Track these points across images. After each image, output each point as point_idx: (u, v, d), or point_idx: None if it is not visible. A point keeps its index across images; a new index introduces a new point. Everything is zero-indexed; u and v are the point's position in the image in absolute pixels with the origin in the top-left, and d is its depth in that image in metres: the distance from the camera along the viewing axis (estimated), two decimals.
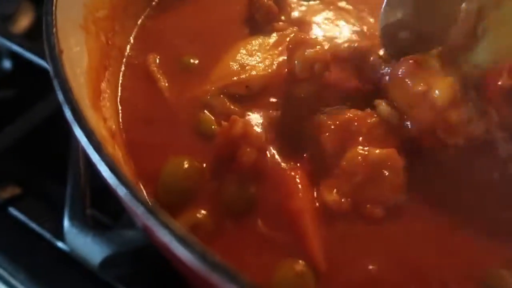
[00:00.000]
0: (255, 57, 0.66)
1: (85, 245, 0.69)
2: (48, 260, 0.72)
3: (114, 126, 0.54)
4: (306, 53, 0.57)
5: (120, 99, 0.62)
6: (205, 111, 0.60)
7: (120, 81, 0.64)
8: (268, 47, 0.68)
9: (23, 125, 0.79)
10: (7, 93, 0.87)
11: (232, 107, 0.60)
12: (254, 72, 0.63)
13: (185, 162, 0.54)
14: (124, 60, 0.65)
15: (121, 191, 0.37)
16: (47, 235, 0.73)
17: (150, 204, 0.37)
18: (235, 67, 0.64)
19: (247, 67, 0.64)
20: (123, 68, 0.66)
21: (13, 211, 0.74)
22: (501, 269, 0.49)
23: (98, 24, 0.60)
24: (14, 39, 0.87)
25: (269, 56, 0.66)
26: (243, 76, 0.63)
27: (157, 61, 0.66)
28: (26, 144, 0.79)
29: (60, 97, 0.42)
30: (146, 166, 0.55)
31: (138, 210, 0.37)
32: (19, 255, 0.71)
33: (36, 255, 0.72)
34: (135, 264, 0.68)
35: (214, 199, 0.53)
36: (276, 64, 0.64)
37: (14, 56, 0.87)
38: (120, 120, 0.59)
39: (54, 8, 0.49)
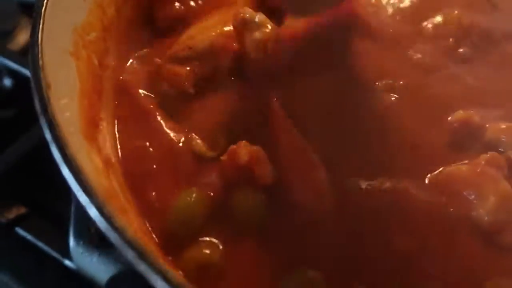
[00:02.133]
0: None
1: (92, 264, 0.68)
2: (55, 278, 0.71)
3: (112, 156, 0.52)
4: (257, 37, 0.55)
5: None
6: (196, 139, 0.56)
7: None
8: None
9: (25, 144, 0.77)
10: (9, 112, 0.85)
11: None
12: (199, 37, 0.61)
13: (194, 195, 0.50)
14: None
15: (111, 236, 0.35)
16: (54, 254, 0.71)
17: (142, 247, 0.35)
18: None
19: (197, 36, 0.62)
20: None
21: (19, 231, 0.73)
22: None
23: (89, 47, 0.57)
24: (12, 56, 0.85)
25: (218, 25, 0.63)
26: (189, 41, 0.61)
27: None
28: (29, 163, 0.77)
29: (48, 136, 0.40)
30: (148, 197, 0.51)
31: (128, 255, 0.34)
32: (27, 275, 0.71)
33: (44, 274, 0.71)
34: (142, 282, 0.66)
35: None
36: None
37: (13, 74, 0.85)
38: (118, 147, 0.56)
39: (40, 38, 0.47)
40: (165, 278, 0.33)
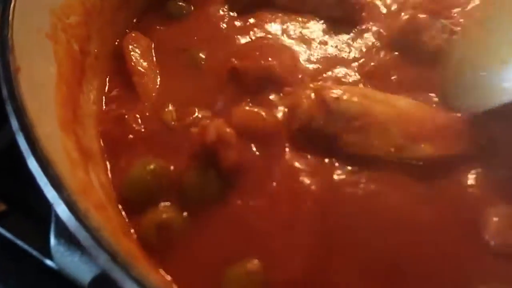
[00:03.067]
0: None
1: (73, 264, 0.62)
2: (35, 278, 0.66)
3: (93, 145, 0.47)
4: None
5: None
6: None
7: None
8: None
9: (4, 139, 0.72)
10: None
11: None
12: None
13: (152, 164, 0.49)
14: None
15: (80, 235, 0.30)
16: (34, 252, 0.66)
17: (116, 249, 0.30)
18: None
19: None
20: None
21: None
22: None
23: (69, 31, 0.52)
24: None
25: None
26: None
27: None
28: (9, 159, 0.72)
29: (14, 123, 0.35)
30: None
31: (100, 258, 0.30)
32: (6, 274, 0.66)
33: (23, 273, 0.66)
34: None
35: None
36: None
37: None
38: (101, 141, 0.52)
39: (11, 17, 0.41)
40: (141, 285, 0.28)
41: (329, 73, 0.61)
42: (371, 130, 0.53)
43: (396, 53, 0.62)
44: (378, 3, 0.71)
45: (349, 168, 0.51)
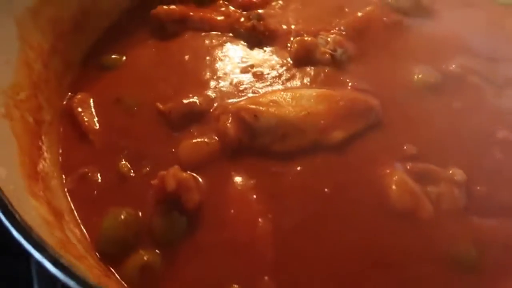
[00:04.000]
0: None
1: None
2: None
3: (63, 205, 0.54)
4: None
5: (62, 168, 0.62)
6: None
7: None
8: None
9: None
10: None
11: None
12: None
13: (122, 214, 0.55)
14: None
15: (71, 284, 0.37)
16: None
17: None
18: None
19: None
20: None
21: None
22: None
23: (21, 106, 0.58)
24: None
25: None
26: None
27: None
28: None
29: None
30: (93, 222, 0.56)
31: None
32: None
33: None
34: None
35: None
36: None
37: None
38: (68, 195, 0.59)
39: None
40: None
41: (246, 86, 0.71)
42: (291, 135, 0.63)
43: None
44: (284, 27, 0.82)
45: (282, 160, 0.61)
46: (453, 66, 0.73)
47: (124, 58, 0.78)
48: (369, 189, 0.59)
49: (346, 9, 0.84)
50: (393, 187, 0.58)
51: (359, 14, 0.82)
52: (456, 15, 0.82)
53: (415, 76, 0.71)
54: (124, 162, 0.63)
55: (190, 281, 0.52)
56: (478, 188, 0.58)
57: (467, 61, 0.74)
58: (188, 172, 0.59)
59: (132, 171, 0.62)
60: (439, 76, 0.71)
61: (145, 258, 0.53)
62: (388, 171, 0.60)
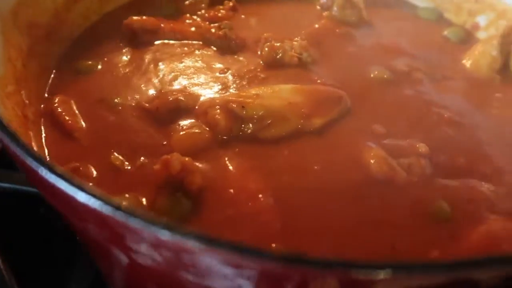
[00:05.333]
0: None
1: None
2: None
3: None
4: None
5: None
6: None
7: None
8: None
9: None
10: None
11: None
12: None
13: (124, 201, 0.53)
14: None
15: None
16: None
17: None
18: None
19: None
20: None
21: None
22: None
23: (11, 98, 0.56)
24: None
25: None
26: None
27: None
28: None
29: None
30: None
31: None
32: None
33: None
34: None
35: None
36: None
37: None
38: None
39: None
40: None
41: (226, 86, 0.75)
42: (277, 123, 0.68)
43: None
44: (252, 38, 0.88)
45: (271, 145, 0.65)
46: (400, 65, 0.84)
47: (99, 63, 0.78)
48: (351, 164, 0.65)
49: (303, 23, 0.93)
50: (372, 160, 0.65)
51: (316, 25, 0.91)
52: (390, 27, 0.96)
53: (371, 74, 0.81)
54: (116, 155, 0.62)
55: None
56: (439, 157, 0.67)
57: (409, 61, 0.86)
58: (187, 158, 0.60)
59: (126, 163, 0.62)
60: (391, 73, 0.82)
61: None
62: (365, 148, 0.67)
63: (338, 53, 0.86)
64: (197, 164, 0.61)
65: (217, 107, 0.68)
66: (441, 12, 1.01)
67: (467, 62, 0.87)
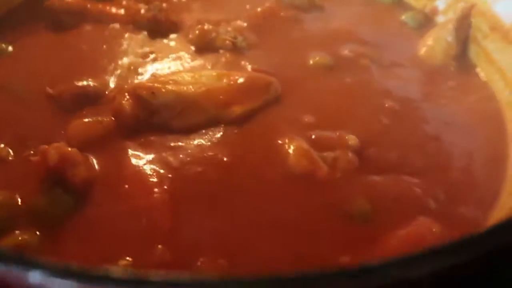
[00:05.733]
0: None
1: None
2: None
3: None
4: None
5: None
6: None
7: None
8: None
9: None
10: None
11: None
12: None
13: None
14: None
15: None
16: None
17: None
18: None
19: None
20: None
21: None
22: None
23: None
24: None
25: None
26: None
27: None
28: None
29: None
30: None
31: None
32: None
33: None
34: None
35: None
36: None
37: None
38: None
39: None
40: None
41: (146, 71, 0.69)
42: (190, 110, 0.61)
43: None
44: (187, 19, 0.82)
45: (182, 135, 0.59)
46: (346, 51, 0.77)
47: (10, 48, 0.72)
48: (268, 156, 0.58)
49: (247, 6, 0.86)
50: (291, 152, 0.58)
51: (259, 9, 0.84)
52: (344, 11, 0.88)
53: (311, 59, 0.74)
54: (2, 146, 0.56)
55: (71, 258, 0.46)
56: (369, 150, 0.60)
57: (357, 47, 0.78)
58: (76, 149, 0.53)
59: (12, 155, 0.56)
60: (333, 59, 0.74)
61: (19, 238, 0.47)
62: (287, 140, 0.60)
63: (279, 38, 0.79)
64: (87, 155, 0.54)
65: (126, 93, 0.61)
66: None
67: (421, 49, 0.80)
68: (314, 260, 0.48)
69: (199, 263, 0.46)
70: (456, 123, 0.66)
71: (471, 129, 0.65)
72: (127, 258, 0.46)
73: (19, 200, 0.50)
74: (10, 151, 0.56)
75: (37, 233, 0.48)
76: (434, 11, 0.88)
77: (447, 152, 0.61)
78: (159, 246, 0.47)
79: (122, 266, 0.45)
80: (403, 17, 0.88)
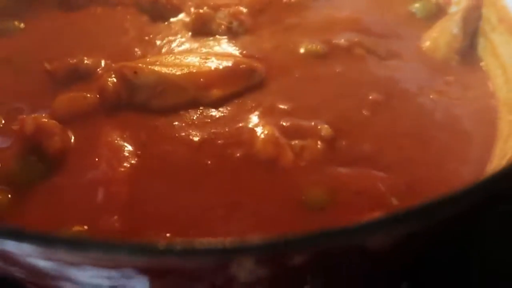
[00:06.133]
0: None
1: None
2: None
3: None
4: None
5: None
6: None
7: None
8: None
9: None
10: None
11: None
12: None
13: None
14: None
15: None
16: None
17: None
18: None
19: None
20: None
21: None
22: None
23: None
24: None
25: None
26: None
27: None
28: None
29: None
30: None
31: None
32: None
33: None
34: None
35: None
36: None
37: None
38: None
39: None
40: None
41: (139, 53, 0.71)
42: (170, 91, 0.63)
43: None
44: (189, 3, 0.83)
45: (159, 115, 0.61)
46: (342, 40, 0.75)
47: (22, 25, 0.77)
48: (238, 141, 0.59)
49: None
50: (260, 138, 0.58)
51: None
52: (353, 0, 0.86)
53: (302, 47, 0.73)
54: None
55: (35, 219, 0.50)
56: (342, 142, 0.59)
57: (354, 36, 0.76)
58: (54, 121, 0.57)
59: (3, 123, 0.61)
60: (326, 47, 0.73)
61: None
62: (260, 126, 0.60)
63: (277, 23, 0.79)
64: (64, 128, 0.58)
65: (112, 72, 0.64)
66: None
67: (426, 41, 0.76)
68: None
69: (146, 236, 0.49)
70: (443, 119, 0.63)
71: (457, 127, 0.62)
72: (84, 225, 0.50)
73: None
74: (2, 120, 0.61)
75: (9, 195, 0.53)
76: (448, 2, 0.83)
77: (423, 149, 0.58)
78: (115, 217, 0.50)
79: (73, 231, 0.48)
80: (412, 7, 0.84)
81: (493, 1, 0.72)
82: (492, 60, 0.71)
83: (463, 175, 0.56)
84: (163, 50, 0.73)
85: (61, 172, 0.55)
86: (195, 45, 0.75)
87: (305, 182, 0.54)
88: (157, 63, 0.66)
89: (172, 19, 0.81)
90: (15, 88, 0.66)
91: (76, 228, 0.49)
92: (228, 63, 0.67)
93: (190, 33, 0.77)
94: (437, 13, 0.82)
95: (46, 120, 0.56)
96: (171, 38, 0.76)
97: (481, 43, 0.74)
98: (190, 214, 0.51)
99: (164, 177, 0.55)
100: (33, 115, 0.56)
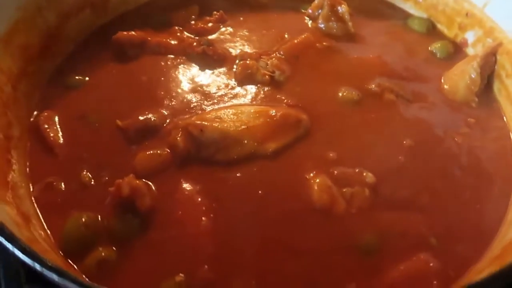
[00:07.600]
0: None
1: None
2: None
3: (30, 210, 0.62)
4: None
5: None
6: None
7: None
8: None
9: None
10: None
11: None
12: None
13: (83, 217, 0.64)
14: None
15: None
16: None
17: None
18: None
19: None
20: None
21: None
22: None
23: None
24: None
25: None
26: None
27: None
28: None
29: None
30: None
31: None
32: None
33: None
34: None
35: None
36: None
37: None
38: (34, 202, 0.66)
39: None
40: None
41: (195, 104, 0.81)
42: (232, 147, 0.73)
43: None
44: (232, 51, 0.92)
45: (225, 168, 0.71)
46: (373, 85, 0.84)
47: (87, 78, 0.86)
48: (295, 190, 0.69)
49: (286, 35, 0.95)
50: (315, 187, 0.68)
51: (296, 41, 0.93)
52: (378, 41, 0.95)
53: (340, 94, 0.83)
54: (85, 172, 0.71)
55: (141, 272, 0.61)
56: (384, 187, 0.69)
57: (385, 81, 0.85)
58: (143, 180, 0.67)
59: (92, 180, 0.70)
60: (360, 94, 0.83)
61: (102, 254, 0.61)
62: (312, 175, 0.70)
63: (313, 70, 0.88)
64: (151, 185, 0.68)
65: (179, 129, 0.74)
66: (433, 24, 0.98)
67: (446, 83, 0.86)
68: (325, 287, 0.60)
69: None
70: (468, 161, 0.74)
71: (481, 168, 0.73)
72: (181, 274, 0.60)
73: (100, 220, 0.65)
74: (91, 177, 0.71)
75: (114, 248, 0.63)
76: (464, 43, 0.92)
77: (453, 191, 0.69)
78: (206, 266, 0.61)
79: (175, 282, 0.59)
80: (432, 47, 0.93)
81: (508, 50, 0.82)
82: (508, 103, 0.81)
83: (489, 213, 0.67)
84: (216, 101, 0.82)
85: (151, 226, 0.65)
86: (243, 95, 0.83)
87: (357, 228, 0.65)
88: (217, 119, 0.75)
89: (218, 68, 0.89)
90: (92, 144, 0.76)
91: (178, 278, 0.59)
92: (278, 116, 0.76)
93: (236, 83, 0.86)
94: (455, 53, 0.92)
95: (138, 181, 0.65)
96: (220, 88, 0.85)
97: (497, 84, 0.84)
98: (263, 261, 0.62)
99: (237, 228, 0.65)
100: (126, 179, 0.65)
